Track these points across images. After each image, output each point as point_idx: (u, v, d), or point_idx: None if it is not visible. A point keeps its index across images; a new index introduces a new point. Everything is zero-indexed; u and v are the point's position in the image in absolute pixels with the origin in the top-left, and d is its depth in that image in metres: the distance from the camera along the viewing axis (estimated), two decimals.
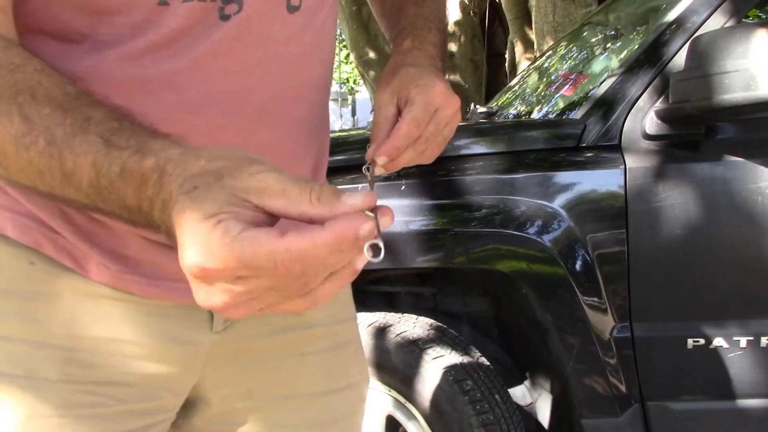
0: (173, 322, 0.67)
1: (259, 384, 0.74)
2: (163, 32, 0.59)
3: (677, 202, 1.56)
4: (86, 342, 0.63)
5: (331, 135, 2.43)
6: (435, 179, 1.64)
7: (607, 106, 1.67)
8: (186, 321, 0.67)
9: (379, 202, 0.46)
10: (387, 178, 1.62)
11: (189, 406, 0.73)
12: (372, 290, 1.87)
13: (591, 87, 1.85)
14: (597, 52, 2.24)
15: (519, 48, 5.30)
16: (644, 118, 1.62)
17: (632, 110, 1.63)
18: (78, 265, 0.63)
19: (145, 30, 0.58)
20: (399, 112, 0.71)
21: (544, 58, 2.74)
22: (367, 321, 1.68)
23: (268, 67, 0.64)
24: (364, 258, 0.45)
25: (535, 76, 2.63)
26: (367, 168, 0.66)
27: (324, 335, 0.77)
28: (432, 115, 0.70)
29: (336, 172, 1.66)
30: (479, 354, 1.68)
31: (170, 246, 0.64)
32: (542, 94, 2.34)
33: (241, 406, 0.74)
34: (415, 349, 1.63)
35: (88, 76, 0.58)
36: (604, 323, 1.57)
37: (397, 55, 0.78)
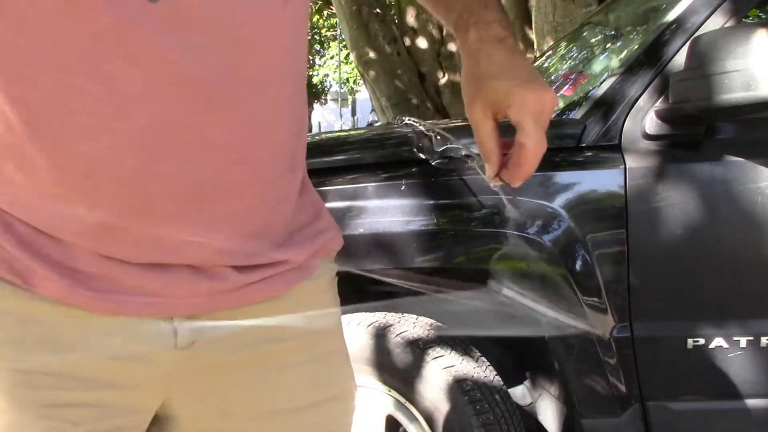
0: (130, 339, 0.62)
1: (235, 402, 0.69)
2: (89, 20, 0.52)
3: (677, 202, 1.56)
4: (35, 363, 0.59)
5: (331, 135, 2.41)
6: (435, 179, 1.64)
7: (607, 106, 1.67)
8: (144, 337, 0.62)
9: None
10: (387, 178, 1.62)
11: (160, 424, 0.69)
12: (372, 290, 1.87)
13: (591, 87, 1.84)
14: (597, 52, 2.24)
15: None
16: (644, 118, 1.62)
17: (632, 110, 1.63)
18: (22, 279, 0.58)
19: (68, 20, 0.52)
20: (496, 123, 0.74)
21: (544, 58, 2.74)
22: (367, 321, 1.68)
23: (214, 54, 0.57)
24: None
25: None
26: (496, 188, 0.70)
27: (299, 347, 0.71)
28: (542, 125, 0.73)
29: (336, 172, 1.66)
30: (479, 354, 1.68)
31: (124, 261, 0.60)
32: None
33: (217, 427, 0.69)
34: (415, 349, 1.63)
35: (10, 77, 0.52)
36: (604, 323, 1.57)
37: (469, 57, 0.75)
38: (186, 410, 0.68)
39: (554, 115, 2.00)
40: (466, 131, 1.91)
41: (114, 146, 0.56)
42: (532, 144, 0.72)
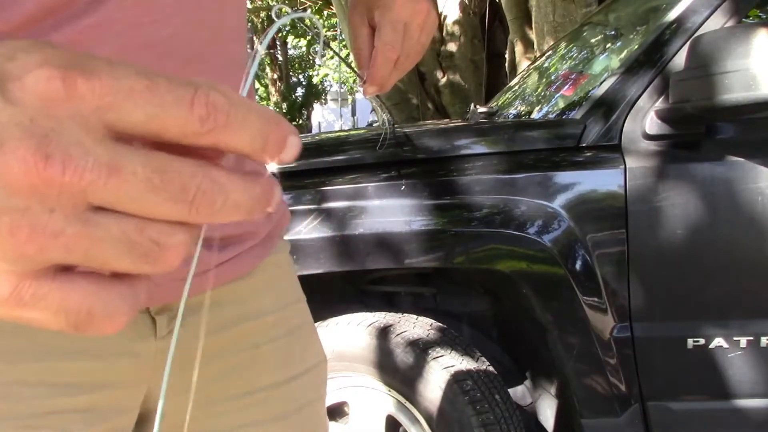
0: (111, 335, 0.57)
1: (215, 386, 0.68)
2: None
3: (677, 202, 1.56)
4: (13, 374, 0.56)
5: (331, 135, 2.42)
6: (435, 179, 1.64)
7: (607, 106, 1.67)
8: (125, 331, 0.59)
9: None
10: (387, 178, 1.61)
11: (141, 422, 0.65)
12: (372, 290, 1.87)
13: (591, 87, 1.85)
14: (597, 52, 2.24)
15: (519, 48, 5.29)
16: (644, 118, 1.62)
17: (632, 110, 1.63)
18: None
19: None
20: (373, 31, 0.73)
21: (544, 58, 2.74)
22: (367, 321, 1.68)
23: (184, 15, 0.56)
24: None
25: (535, 76, 2.63)
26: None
27: (276, 322, 0.71)
28: (402, 32, 0.72)
29: (336, 172, 1.66)
30: (479, 354, 1.68)
31: None
32: (542, 94, 2.34)
33: (199, 413, 0.68)
34: (415, 349, 1.63)
35: None
36: (604, 323, 1.57)
37: None
38: (167, 402, 0.66)
39: (554, 115, 2.00)
40: (464, 131, 1.91)
41: None
42: (380, 44, 0.71)
